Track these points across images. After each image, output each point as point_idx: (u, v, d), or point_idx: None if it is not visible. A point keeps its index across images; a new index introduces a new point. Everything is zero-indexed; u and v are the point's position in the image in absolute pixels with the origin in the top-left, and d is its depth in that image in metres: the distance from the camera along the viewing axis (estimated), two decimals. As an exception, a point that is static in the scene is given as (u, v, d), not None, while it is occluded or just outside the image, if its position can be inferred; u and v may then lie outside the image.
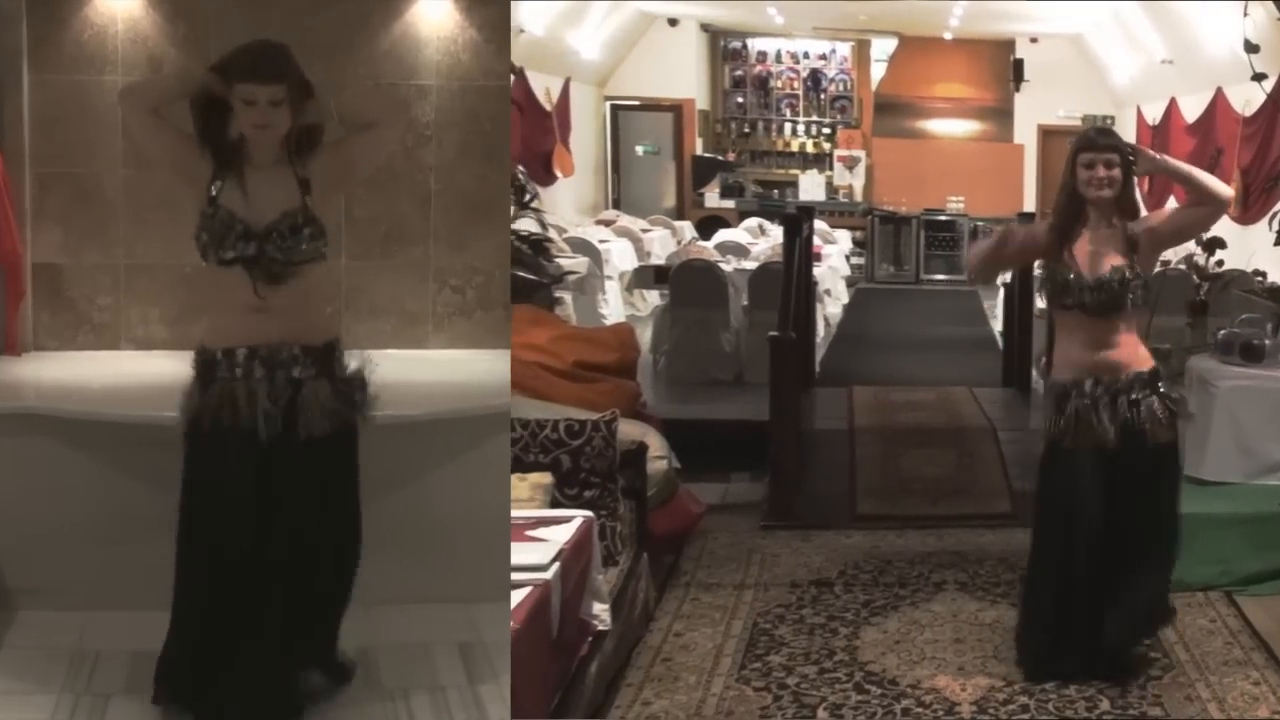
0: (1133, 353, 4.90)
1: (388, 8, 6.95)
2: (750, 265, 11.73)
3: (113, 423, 5.63)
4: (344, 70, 6.74)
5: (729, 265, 11.60)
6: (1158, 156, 4.96)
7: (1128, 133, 18.38)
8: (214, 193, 4.38)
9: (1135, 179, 4.90)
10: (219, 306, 4.48)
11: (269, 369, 4.40)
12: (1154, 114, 16.51)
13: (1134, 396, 4.82)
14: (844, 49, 21.43)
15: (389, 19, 6.96)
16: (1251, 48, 9.24)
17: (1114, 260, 4.82)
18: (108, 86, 6.81)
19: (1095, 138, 4.91)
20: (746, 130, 21.62)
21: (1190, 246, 9.17)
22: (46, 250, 6.91)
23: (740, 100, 21.68)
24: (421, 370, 6.54)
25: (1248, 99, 12.04)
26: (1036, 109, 20.42)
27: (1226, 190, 4.91)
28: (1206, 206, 4.89)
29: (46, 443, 5.69)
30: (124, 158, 6.90)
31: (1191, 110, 14.75)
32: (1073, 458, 4.86)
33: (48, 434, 5.69)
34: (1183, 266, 9.04)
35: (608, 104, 20.35)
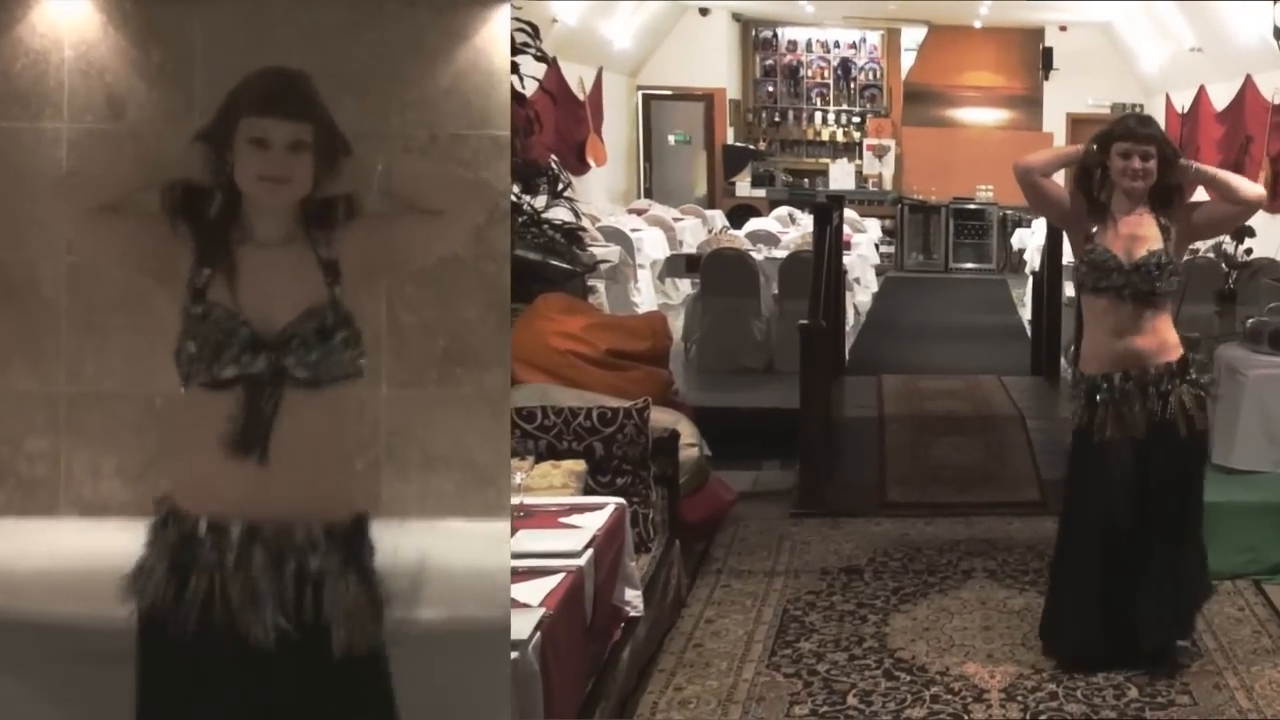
0: (1162, 341, 4.80)
1: (447, 26, 5.13)
2: (781, 254, 11.72)
3: (46, 628, 4.03)
4: (385, 115, 5.07)
5: (760, 254, 11.60)
6: (1194, 166, 4.88)
7: (1158, 119, 18.29)
8: (200, 284, 3.01)
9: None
10: (204, 454, 3.00)
11: (275, 556, 2.99)
12: (1183, 102, 16.41)
13: (1163, 388, 4.76)
14: (874, 38, 21.34)
15: (450, 43, 5.13)
16: (1281, 35, 9.18)
17: (1150, 245, 4.74)
18: (47, 137, 5.10)
19: (1135, 127, 4.75)
20: (777, 119, 21.56)
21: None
22: None
23: (771, 89, 21.62)
24: (485, 552, 4.29)
25: (1277, 86, 11.97)
26: (1065, 97, 20.30)
27: (1259, 191, 4.88)
28: (1239, 206, 4.87)
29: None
30: (70, 240, 4.61)
31: (1221, 98, 14.66)
32: (1102, 450, 4.80)
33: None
34: (1211, 255, 8.99)
35: (640, 93, 20.32)
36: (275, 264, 3.06)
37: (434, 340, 5.14)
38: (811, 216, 10.68)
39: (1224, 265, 8.58)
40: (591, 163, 16.66)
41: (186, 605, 2.96)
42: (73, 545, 4.63)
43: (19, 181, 5.11)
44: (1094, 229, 4.77)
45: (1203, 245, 9.19)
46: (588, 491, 5.08)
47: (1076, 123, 20.03)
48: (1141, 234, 4.76)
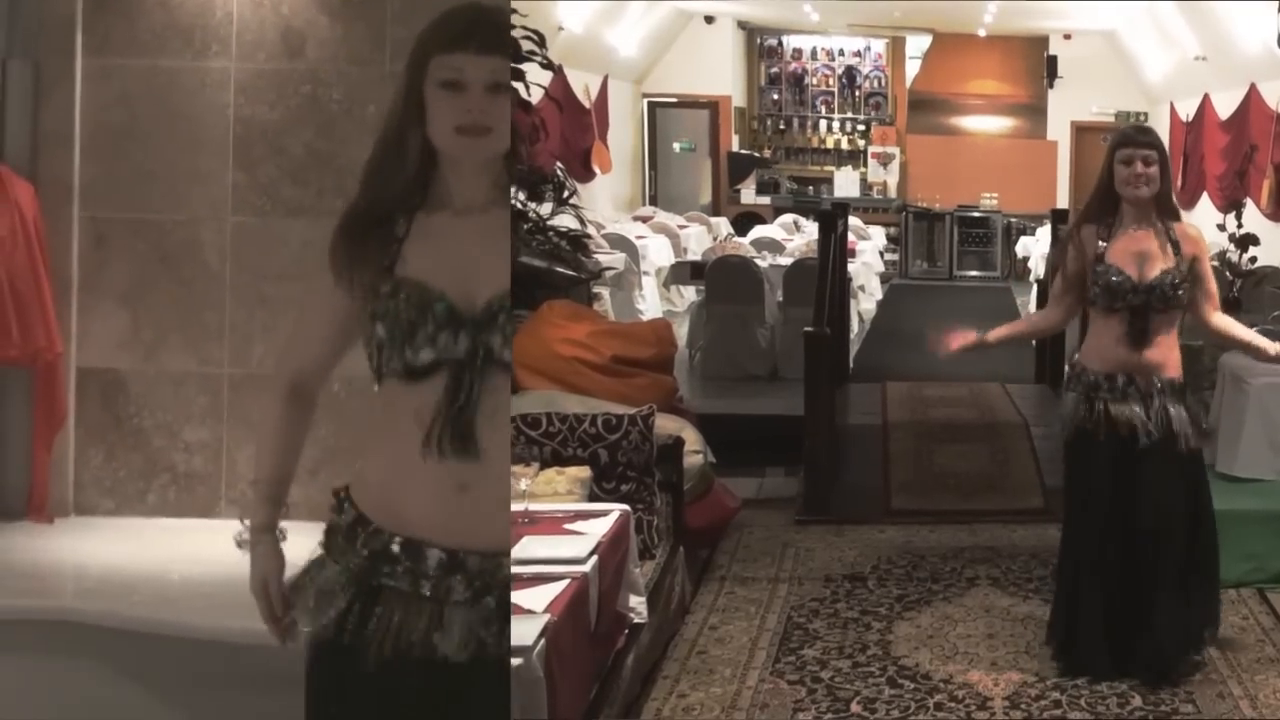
0: (1167, 355, 4.80)
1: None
2: (785, 261, 11.74)
3: (197, 642, 3.74)
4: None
5: (764, 261, 11.61)
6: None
7: (1161, 130, 18.27)
8: (389, 258, 2.66)
9: (1171, 177, 4.84)
10: (398, 458, 2.65)
11: (477, 591, 2.66)
12: (1187, 110, 16.42)
13: (1164, 401, 4.75)
14: (879, 46, 21.35)
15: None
16: (1285, 44, 9.18)
17: (1163, 263, 4.72)
18: (213, 78, 4.73)
19: (1134, 134, 4.80)
20: (782, 127, 21.56)
21: (1223, 243, 9.13)
22: (102, 347, 4.80)
23: (776, 97, 21.62)
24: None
25: (1281, 96, 11.97)
26: (1070, 105, 20.31)
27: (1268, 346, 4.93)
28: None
29: (86, 669, 3.84)
30: (235, 196, 4.74)
31: (1225, 107, 14.65)
32: (1100, 449, 4.78)
33: (89, 654, 3.85)
34: (1215, 263, 8.98)
35: (645, 101, 20.32)
36: (477, 233, 2.68)
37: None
38: (816, 224, 10.67)
39: (1228, 274, 8.58)
40: (597, 170, 16.66)
41: (369, 632, 2.63)
42: (232, 551, 3.97)
43: (180, 129, 4.76)
44: (1101, 245, 4.76)
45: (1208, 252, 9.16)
46: (592, 498, 5.07)
47: (1081, 131, 20.04)
48: (1149, 249, 4.75)
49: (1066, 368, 5.04)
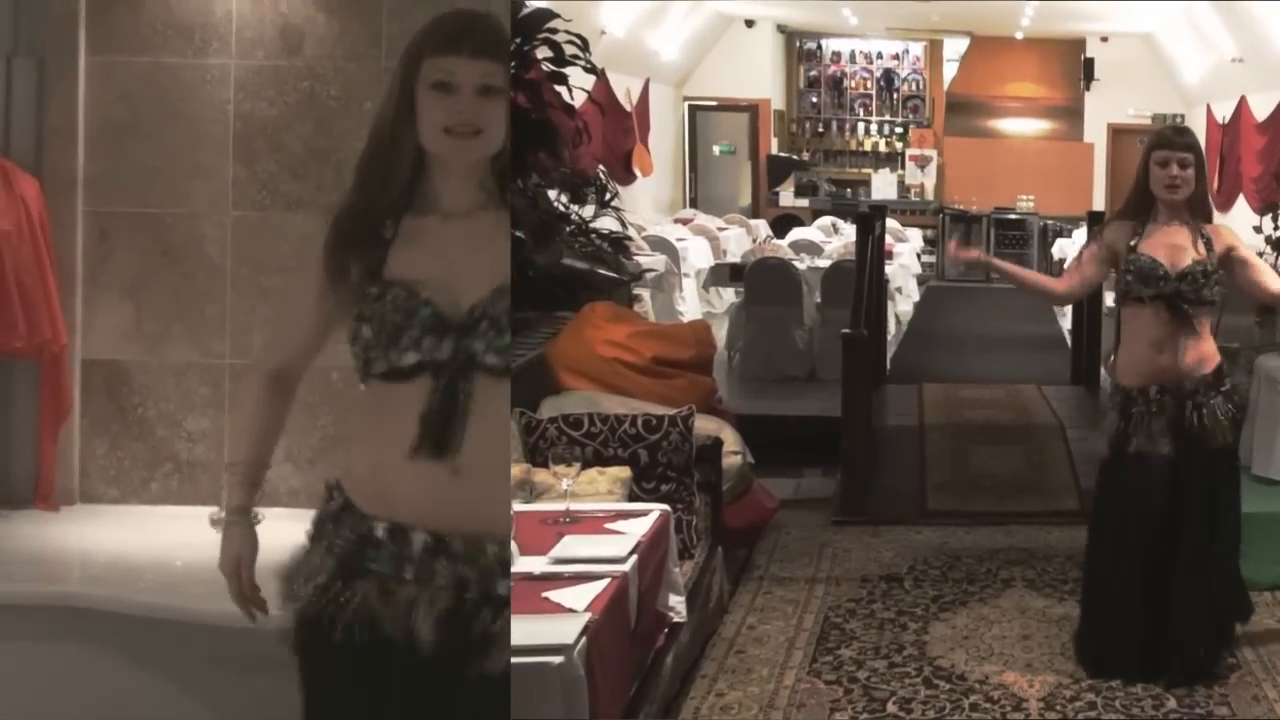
0: (1201, 354, 4.77)
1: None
2: (823, 263, 11.72)
3: (200, 626, 3.76)
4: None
5: (803, 263, 11.59)
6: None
7: (1198, 132, 18.13)
8: (375, 260, 2.69)
9: (1206, 178, 4.82)
10: (385, 453, 2.70)
11: (461, 575, 2.70)
12: (1224, 112, 16.31)
13: (1198, 400, 4.73)
14: (916, 49, 21.30)
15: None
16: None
17: (1193, 255, 4.71)
18: (213, 75, 4.77)
19: (1171, 136, 4.78)
20: (820, 130, 21.53)
21: (1259, 244, 9.07)
22: (106, 339, 4.82)
23: (815, 100, 21.59)
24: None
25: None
26: (1106, 108, 20.20)
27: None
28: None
29: (92, 653, 3.88)
30: (235, 190, 4.78)
31: (1262, 109, 14.56)
32: (1135, 463, 4.77)
33: (95, 639, 3.88)
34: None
35: (686, 104, 20.33)
36: (464, 237, 2.70)
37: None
38: (854, 226, 10.65)
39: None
40: (638, 173, 16.68)
41: (353, 615, 2.66)
42: None
43: (181, 125, 4.80)
44: (1133, 241, 4.75)
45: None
46: (632, 498, 5.08)
47: (1117, 133, 19.93)
48: (1181, 244, 4.74)
49: (1102, 370, 5.03)
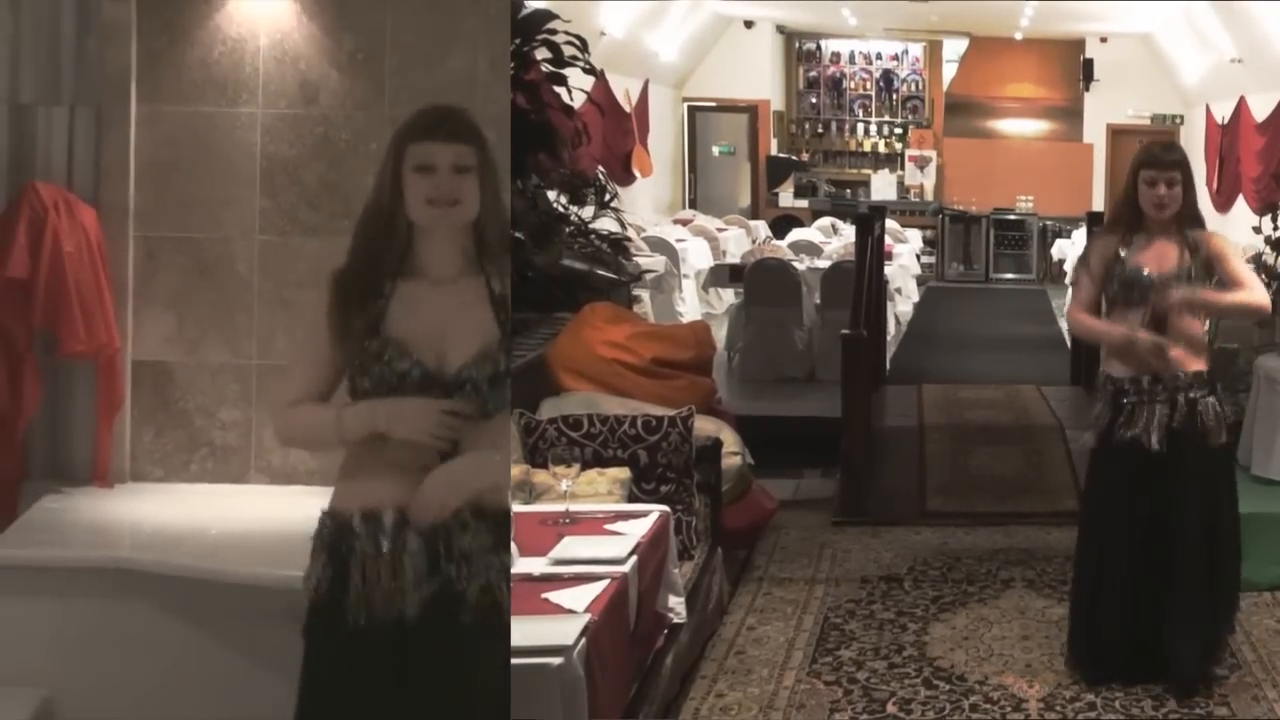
0: (1190, 351, 4.74)
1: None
2: (823, 264, 11.72)
3: (233, 585, 4.37)
4: None
5: (802, 264, 11.60)
6: (1196, 298, 4.72)
7: (1197, 132, 18.16)
8: (373, 316, 3.15)
9: (1195, 191, 4.80)
10: (365, 457, 3.20)
11: (431, 537, 3.18)
12: (1223, 113, 16.31)
13: (1191, 395, 4.70)
14: (916, 49, 21.31)
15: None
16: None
17: (1179, 261, 4.70)
18: (242, 122, 5.56)
19: (1159, 155, 4.75)
20: (820, 130, 21.55)
21: (1258, 245, 9.06)
22: (153, 344, 5.56)
23: (814, 101, 21.60)
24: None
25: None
26: (1106, 108, 20.21)
27: (1263, 302, 4.82)
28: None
29: (141, 609, 4.51)
30: (261, 218, 5.53)
31: (1261, 109, 14.55)
32: (1125, 455, 4.73)
33: (143, 596, 4.51)
34: (1250, 265, 8.91)
35: (685, 105, 20.34)
36: (450, 301, 3.17)
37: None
38: (853, 227, 10.66)
39: (1264, 276, 8.51)
40: (637, 173, 16.68)
41: (345, 593, 3.13)
42: (262, 511, 5.06)
43: (216, 164, 5.60)
44: (1123, 252, 4.75)
45: (1242, 255, 9.07)
46: (632, 499, 5.08)
47: (1117, 134, 19.94)
48: (1169, 254, 4.73)
49: (1101, 370, 4.98)
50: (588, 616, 3.59)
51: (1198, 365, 4.76)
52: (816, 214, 18.55)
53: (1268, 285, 8.25)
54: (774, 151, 20.77)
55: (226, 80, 5.58)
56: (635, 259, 10.06)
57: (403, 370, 3.10)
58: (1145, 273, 4.69)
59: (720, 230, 15.72)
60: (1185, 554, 4.74)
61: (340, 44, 5.58)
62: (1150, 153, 4.77)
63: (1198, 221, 4.82)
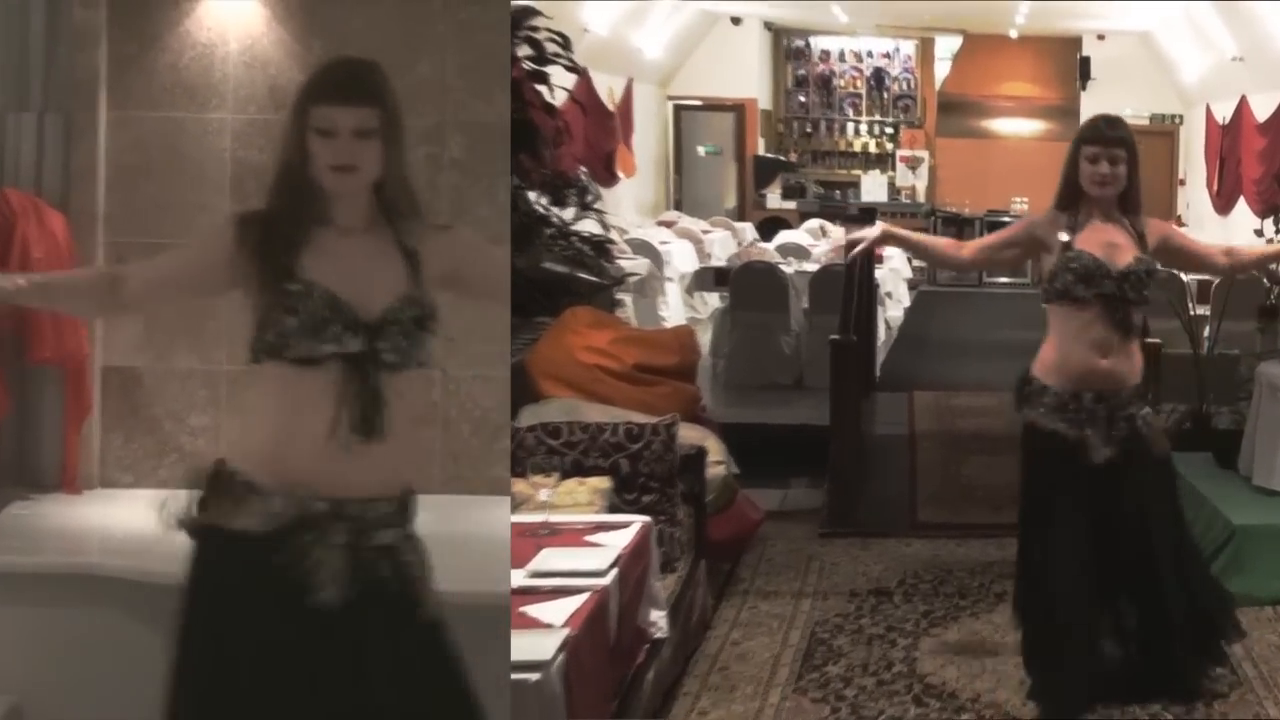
0: (1134, 362, 4.61)
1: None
2: (811, 267, 11.73)
3: None
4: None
5: (790, 267, 11.60)
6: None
7: (1197, 132, 18.22)
8: (289, 262, 3.22)
9: (1139, 173, 4.61)
10: (282, 429, 3.24)
11: (355, 531, 3.25)
12: (1224, 112, 16.36)
13: (1130, 411, 4.57)
14: (908, 47, 21.34)
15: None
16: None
17: (1129, 252, 4.54)
18: (212, 127, 5.76)
19: (1103, 129, 4.58)
20: (809, 130, 21.57)
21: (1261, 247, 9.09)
22: (122, 349, 5.74)
23: (803, 100, 21.63)
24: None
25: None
26: (1103, 108, 19.87)
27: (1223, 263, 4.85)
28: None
29: (110, 615, 4.62)
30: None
31: (1263, 109, 14.60)
32: (1068, 472, 4.57)
33: (113, 602, 4.62)
34: (1255, 272, 8.91)
35: (670, 104, 20.36)
36: (362, 249, 3.27)
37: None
38: (843, 229, 10.67)
39: (1265, 280, 8.52)
40: (620, 174, 16.68)
41: (265, 574, 3.17)
42: None
43: (186, 169, 5.77)
44: (1065, 238, 4.57)
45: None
46: (613, 509, 5.07)
47: (1115, 134, 19.96)
48: (1118, 241, 4.57)
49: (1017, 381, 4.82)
50: (567, 631, 3.58)
51: (1135, 379, 4.61)
52: (804, 216, 18.52)
53: (1268, 290, 8.33)
54: (761, 151, 20.79)
55: (196, 85, 5.75)
56: (618, 262, 10.04)
57: (336, 306, 3.17)
58: (1103, 265, 4.50)
59: (705, 232, 15.72)
60: (1147, 566, 4.63)
61: (310, 49, 5.67)
62: (1095, 128, 4.62)
63: (1138, 207, 4.65)
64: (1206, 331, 8.17)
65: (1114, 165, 4.54)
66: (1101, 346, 4.55)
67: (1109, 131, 4.58)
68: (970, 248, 4.98)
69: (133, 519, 5.08)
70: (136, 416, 5.73)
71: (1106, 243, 4.57)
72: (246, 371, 5.08)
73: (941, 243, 5.15)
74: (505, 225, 6.00)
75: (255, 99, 5.74)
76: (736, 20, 20.01)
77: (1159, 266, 4.66)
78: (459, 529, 4.92)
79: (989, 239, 4.87)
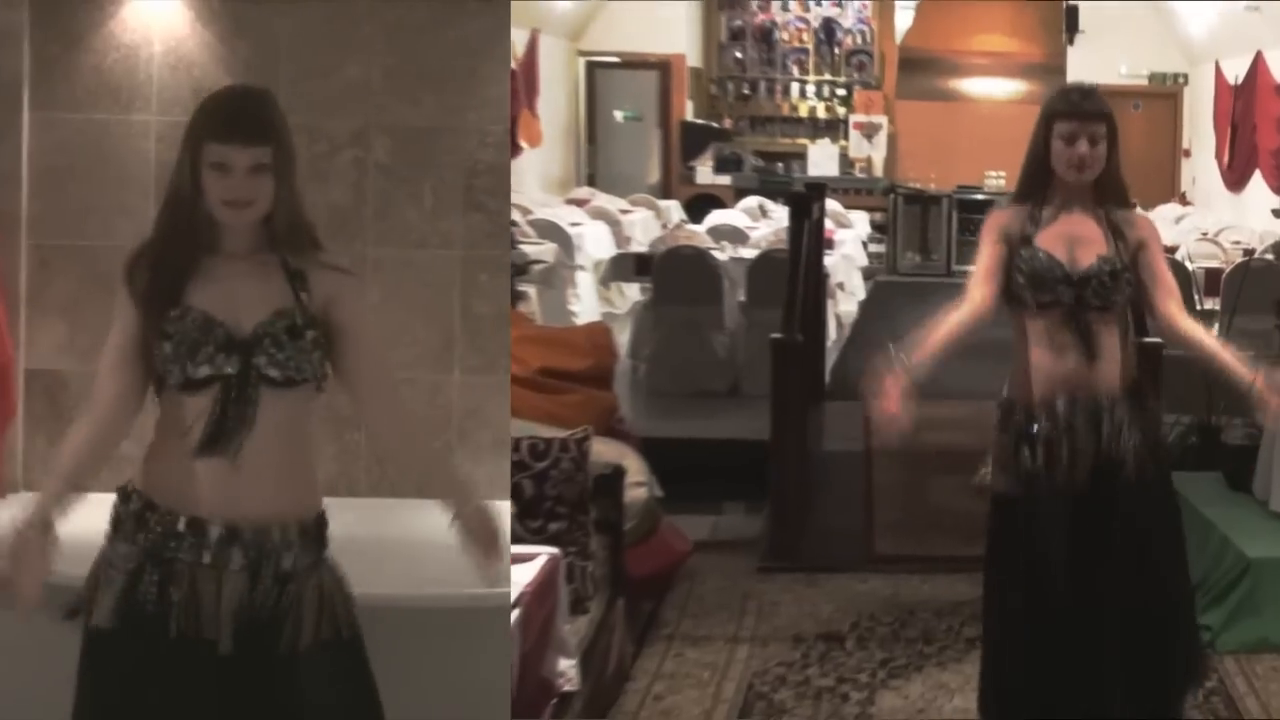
0: (1114, 367, 4.51)
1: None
2: (749, 254, 11.77)
3: None
4: (463, 111, 6.45)
5: (723, 253, 11.64)
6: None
7: (1204, 94, 18.41)
8: (176, 290, 3.66)
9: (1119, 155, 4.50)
10: (174, 454, 3.70)
11: (255, 557, 3.62)
12: (1236, 71, 16.49)
13: (1116, 417, 4.48)
14: (863, -7, 21.51)
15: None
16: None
17: (1098, 250, 4.44)
18: (136, 129, 6.43)
19: (1079, 101, 4.48)
20: (746, 92, 21.68)
21: (1278, 231, 9.23)
22: (46, 352, 6.44)
23: (739, 56, 21.74)
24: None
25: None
26: (1094, 66, 20.40)
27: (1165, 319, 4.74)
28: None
29: (34, 619, 4.57)
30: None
31: (1282, 67, 14.75)
32: (1040, 498, 4.53)
33: (37, 612, 4.74)
34: (1270, 256, 9.05)
35: (582, 61, 20.39)
36: (244, 271, 3.67)
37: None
38: (786, 209, 10.71)
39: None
40: (524, 144, 16.69)
41: (158, 603, 3.63)
42: None
43: (110, 171, 6.44)
44: (1027, 230, 4.50)
45: (1259, 246, 9.24)
46: (514, 539, 5.07)
47: (1107, 96, 20.11)
48: (1085, 235, 4.48)
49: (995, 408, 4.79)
50: (456, 683, 3.59)
51: (1120, 381, 4.54)
52: (741, 193, 18.61)
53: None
54: (690, 117, 20.87)
55: (120, 87, 6.41)
56: (520, 247, 10.05)
57: (207, 328, 3.57)
58: (1059, 266, 4.43)
59: (624, 212, 15.76)
60: (1127, 613, 4.52)
61: (234, 51, 6.39)
62: (1067, 100, 4.52)
63: (1123, 197, 4.58)
64: (1216, 329, 8.26)
65: (1094, 145, 4.44)
66: (1066, 348, 4.50)
67: (1086, 105, 4.50)
68: (981, 294, 4.63)
69: (58, 525, 5.43)
70: (61, 420, 6.29)
71: (1072, 236, 4.49)
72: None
73: (957, 317, 4.86)
74: (432, 230, 6.48)
75: (180, 101, 6.30)
76: (660, -39, 20.10)
77: (1126, 265, 4.44)
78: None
79: (983, 270, 4.64)
